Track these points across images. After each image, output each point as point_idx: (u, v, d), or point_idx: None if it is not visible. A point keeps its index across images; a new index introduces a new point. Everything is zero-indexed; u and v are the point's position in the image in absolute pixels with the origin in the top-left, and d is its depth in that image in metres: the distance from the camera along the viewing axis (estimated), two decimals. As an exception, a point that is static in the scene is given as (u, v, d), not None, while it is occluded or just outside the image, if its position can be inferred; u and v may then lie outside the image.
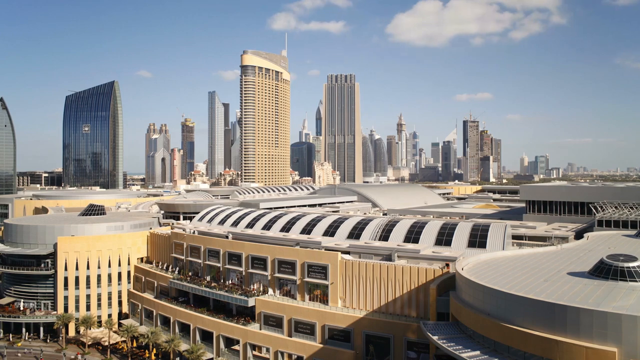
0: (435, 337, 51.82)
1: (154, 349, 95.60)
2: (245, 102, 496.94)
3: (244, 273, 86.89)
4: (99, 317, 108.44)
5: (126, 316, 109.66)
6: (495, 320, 46.34)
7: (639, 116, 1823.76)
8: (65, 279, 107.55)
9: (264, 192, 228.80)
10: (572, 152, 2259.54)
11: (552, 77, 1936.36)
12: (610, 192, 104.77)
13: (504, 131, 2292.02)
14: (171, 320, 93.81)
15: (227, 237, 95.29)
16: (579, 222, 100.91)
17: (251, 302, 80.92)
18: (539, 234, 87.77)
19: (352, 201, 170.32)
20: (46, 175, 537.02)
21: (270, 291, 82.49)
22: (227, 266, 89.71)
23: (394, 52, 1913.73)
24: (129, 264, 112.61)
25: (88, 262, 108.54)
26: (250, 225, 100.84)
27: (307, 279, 76.91)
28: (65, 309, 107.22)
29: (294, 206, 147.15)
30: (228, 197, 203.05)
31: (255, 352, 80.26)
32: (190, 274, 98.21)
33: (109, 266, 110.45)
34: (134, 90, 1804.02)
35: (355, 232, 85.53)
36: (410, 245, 76.45)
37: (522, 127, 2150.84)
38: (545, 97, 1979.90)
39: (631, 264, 49.77)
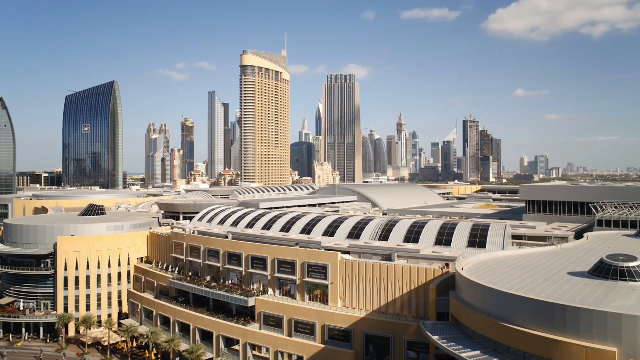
0: (435, 337, 51.80)
1: (154, 349, 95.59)
2: (245, 102, 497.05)
3: (244, 273, 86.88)
4: (99, 317, 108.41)
5: (126, 316, 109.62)
6: (495, 320, 46.34)
7: (639, 116, 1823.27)
8: (65, 279, 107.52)
9: (264, 192, 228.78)
10: (572, 152, 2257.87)
11: (558, 77, 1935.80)
12: (610, 192, 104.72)
13: (504, 131, 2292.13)
14: (171, 321, 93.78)
15: (227, 237, 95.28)
16: (579, 222, 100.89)
17: (251, 302, 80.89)
18: (539, 234, 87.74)
19: (352, 201, 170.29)
20: (46, 175, 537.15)
21: (270, 291, 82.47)
22: (227, 266, 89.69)
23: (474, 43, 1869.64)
24: (129, 264, 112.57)
25: (88, 262, 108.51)
26: (250, 225, 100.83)
27: (307, 279, 76.88)
28: (65, 309, 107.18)
29: (294, 206, 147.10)
30: (228, 197, 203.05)
31: (255, 352, 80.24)
32: (190, 274, 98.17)
33: (109, 266, 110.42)
34: (134, 90, 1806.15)
35: (355, 232, 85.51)
36: (410, 245, 76.44)
37: (522, 127, 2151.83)
38: (547, 96, 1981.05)
39: (631, 264, 49.77)
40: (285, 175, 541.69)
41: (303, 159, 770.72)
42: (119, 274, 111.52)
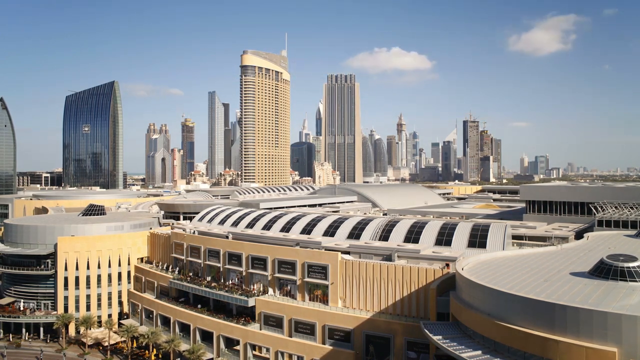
0: (435, 337, 51.79)
1: (154, 349, 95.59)
2: (245, 102, 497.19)
3: (244, 273, 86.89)
4: (99, 317, 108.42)
5: (126, 316, 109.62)
6: (496, 320, 46.34)
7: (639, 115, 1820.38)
8: (66, 279, 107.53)
9: (264, 192, 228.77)
10: (572, 152, 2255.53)
11: (555, 78, 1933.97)
12: (610, 192, 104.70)
13: (504, 131, 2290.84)
14: (171, 321, 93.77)
15: (227, 237, 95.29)
16: (579, 222, 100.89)
17: (251, 302, 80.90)
18: (539, 234, 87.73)
19: (352, 201, 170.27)
20: (46, 175, 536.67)
21: (271, 291, 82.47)
22: (227, 266, 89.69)
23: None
24: (129, 264, 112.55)
25: (88, 262, 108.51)
26: (251, 225, 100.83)
27: (307, 279, 76.89)
28: (66, 309, 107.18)
29: (294, 206, 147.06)
30: (228, 197, 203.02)
31: (256, 352, 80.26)
32: (190, 274, 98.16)
33: (109, 266, 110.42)
34: (134, 91, 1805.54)
35: (355, 232, 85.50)
36: (410, 245, 76.43)
37: (522, 127, 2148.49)
38: (546, 97, 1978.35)
39: (631, 264, 49.78)
40: (285, 175, 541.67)
41: (303, 159, 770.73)
42: (119, 274, 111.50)
